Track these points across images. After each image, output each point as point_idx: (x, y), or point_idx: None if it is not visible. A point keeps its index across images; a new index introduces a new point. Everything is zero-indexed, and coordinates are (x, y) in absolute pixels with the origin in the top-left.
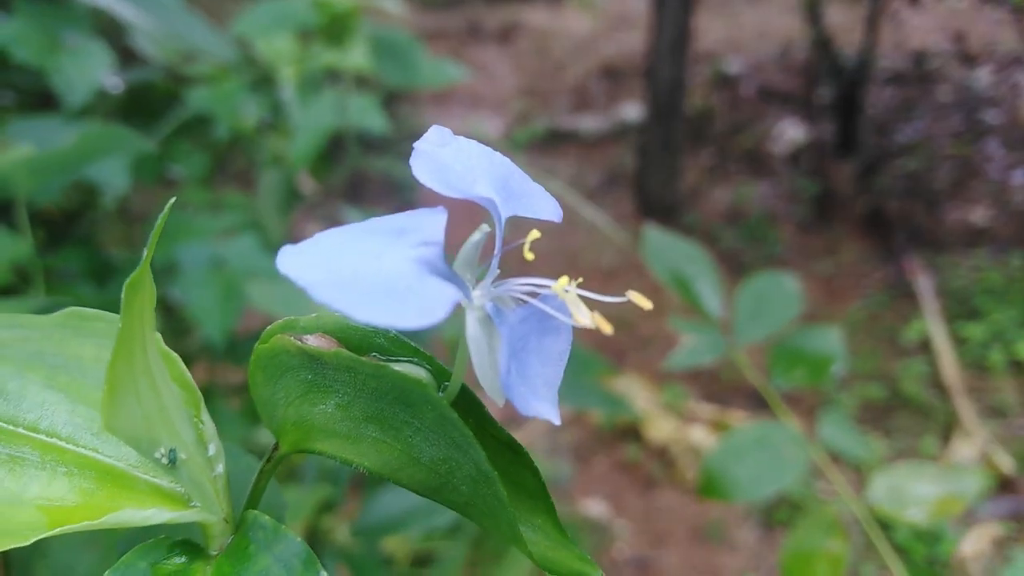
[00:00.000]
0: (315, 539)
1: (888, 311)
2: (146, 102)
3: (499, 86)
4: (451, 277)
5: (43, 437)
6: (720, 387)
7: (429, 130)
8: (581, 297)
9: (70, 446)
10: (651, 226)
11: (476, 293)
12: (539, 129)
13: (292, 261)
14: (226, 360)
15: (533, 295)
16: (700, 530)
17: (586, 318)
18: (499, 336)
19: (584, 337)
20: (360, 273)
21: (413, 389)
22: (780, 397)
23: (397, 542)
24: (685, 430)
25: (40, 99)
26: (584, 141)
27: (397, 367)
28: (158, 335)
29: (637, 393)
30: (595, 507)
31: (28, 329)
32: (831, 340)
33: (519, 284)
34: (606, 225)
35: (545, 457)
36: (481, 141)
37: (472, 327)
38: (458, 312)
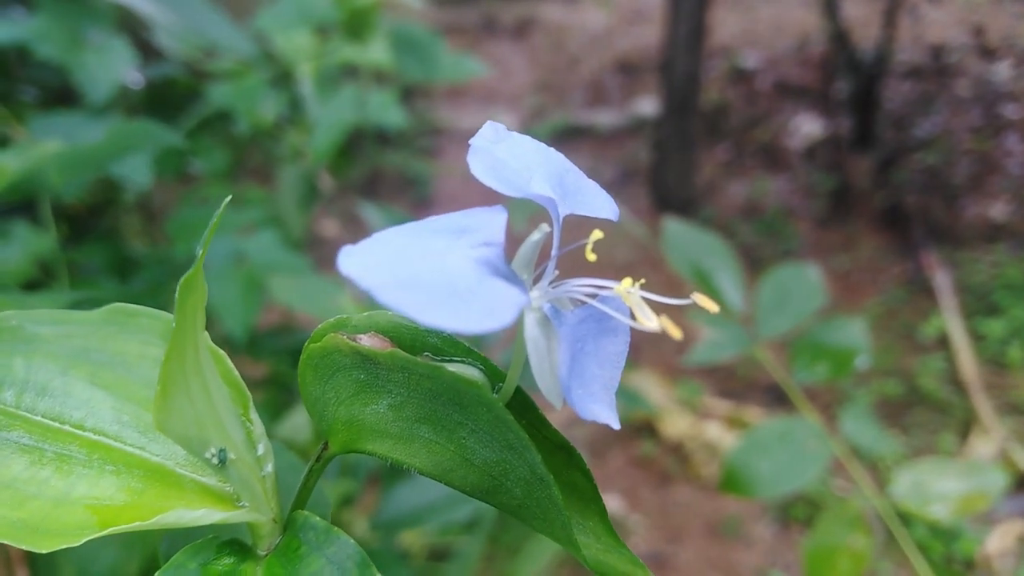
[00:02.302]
0: None
1: (906, 307)
2: (167, 98)
3: (514, 81)
4: (513, 278)
5: (90, 435)
6: (736, 383)
7: (484, 126)
8: (644, 300)
9: (117, 444)
10: (671, 218)
11: (534, 294)
12: (558, 122)
13: (354, 262)
14: (247, 354)
15: (592, 296)
16: (716, 526)
17: (653, 322)
18: (558, 338)
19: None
20: (422, 274)
21: (468, 390)
22: (801, 391)
23: (414, 536)
24: (700, 426)
25: (61, 95)
26: (599, 136)
27: (451, 367)
28: (206, 334)
29: (652, 388)
30: (611, 502)
31: (72, 325)
32: (855, 332)
33: (580, 285)
34: (623, 219)
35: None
36: None
37: (531, 328)
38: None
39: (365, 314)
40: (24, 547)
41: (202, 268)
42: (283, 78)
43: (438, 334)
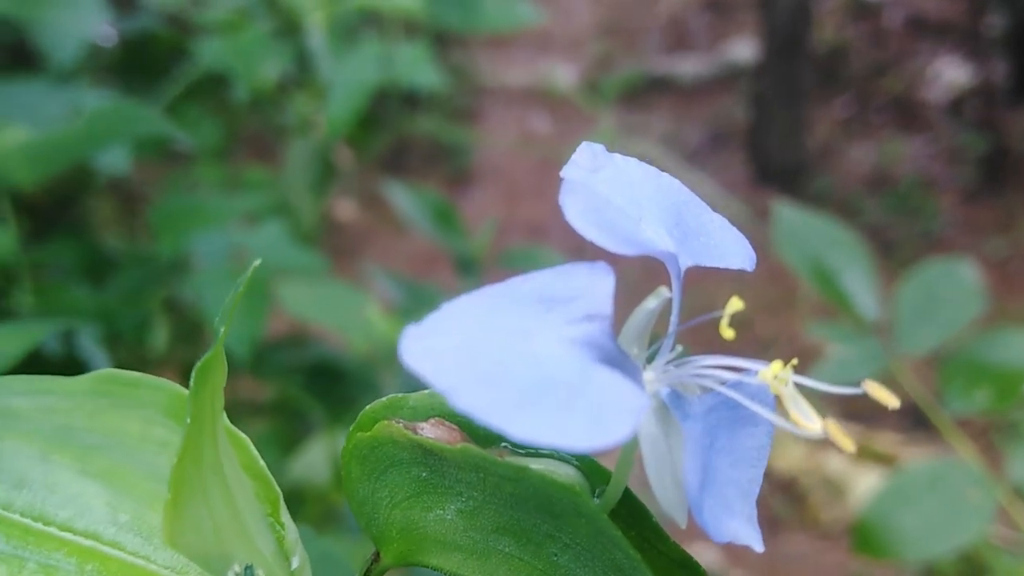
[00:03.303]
0: None
1: None
2: (146, 57)
3: (573, 23)
4: (621, 363)
5: (80, 540)
6: (864, 403)
7: (578, 150)
8: (799, 388)
9: (115, 552)
10: (782, 202)
11: (649, 376)
12: (633, 77)
13: (423, 353)
14: (250, 373)
15: (724, 380)
16: None
17: (816, 424)
18: (682, 434)
19: (688, 337)
20: (507, 367)
21: (560, 496)
22: (951, 421)
23: None
24: (819, 457)
25: (19, 57)
26: (682, 89)
27: (537, 464)
28: (224, 415)
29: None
30: (706, 554)
31: (53, 396)
32: None
33: (710, 365)
34: (708, 196)
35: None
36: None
37: (646, 423)
38: None
39: (426, 392)
40: None
41: (223, 350)
42: (288, 30)
43: None
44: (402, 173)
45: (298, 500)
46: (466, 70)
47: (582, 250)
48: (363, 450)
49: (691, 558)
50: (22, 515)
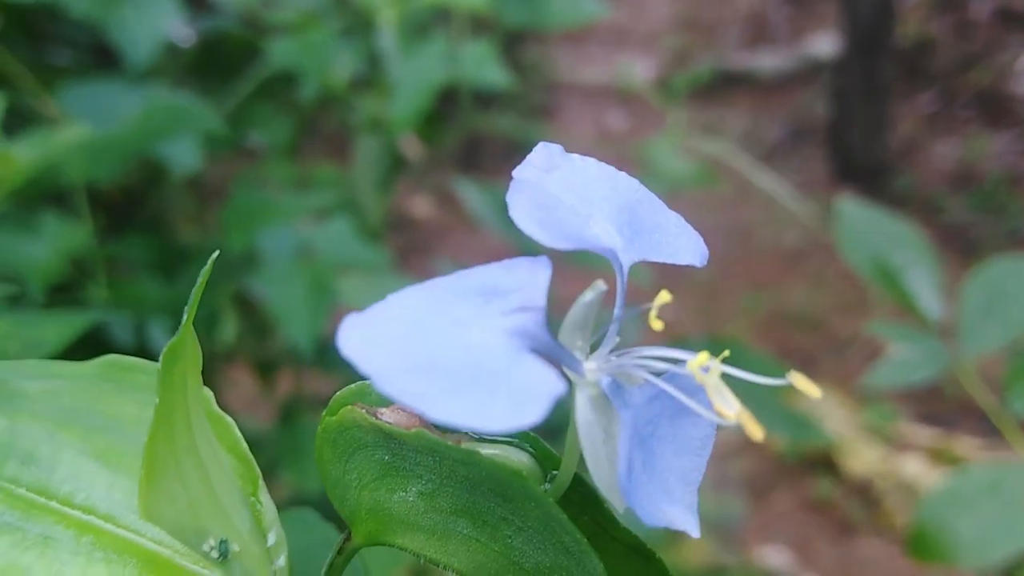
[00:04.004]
0: None
1: None
2: (221, 57)
3: (650, 17)
4: (556, 352)
5: (79, 514)
6: (942, 405)
7: (535, 150)
8: (727, 378)
9: (109, 526)
10: (846, 198)
11: (590, 366)
12: (704, 73)
13: (358, 339)
14: (315, 367)
15: (659, 370)
16: None
17: (731, 410)
18: (619, 421)
19: (762, 339)
20: (439, 353)
21: (511, 481)
22: (1017, 424)
23: None
24: (895, 461)
25: (101, 57)
26: (761, 85)
27: (491, 450)
28: (209, 394)
29: (831, 411)
30: (775, 556)
31: (62, 380)
32: None
33: (643, 357)
34: (788, 195)
35: (711, 491)
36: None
37: (583, 410)
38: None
39: None
40: None
41: (192, 331)
42: (359, 28)
43: None
44: (477, 170)
45: None
46: (541, 66)
47: None
48: (332, 434)
49: (644, 544)
50: (28, 490)
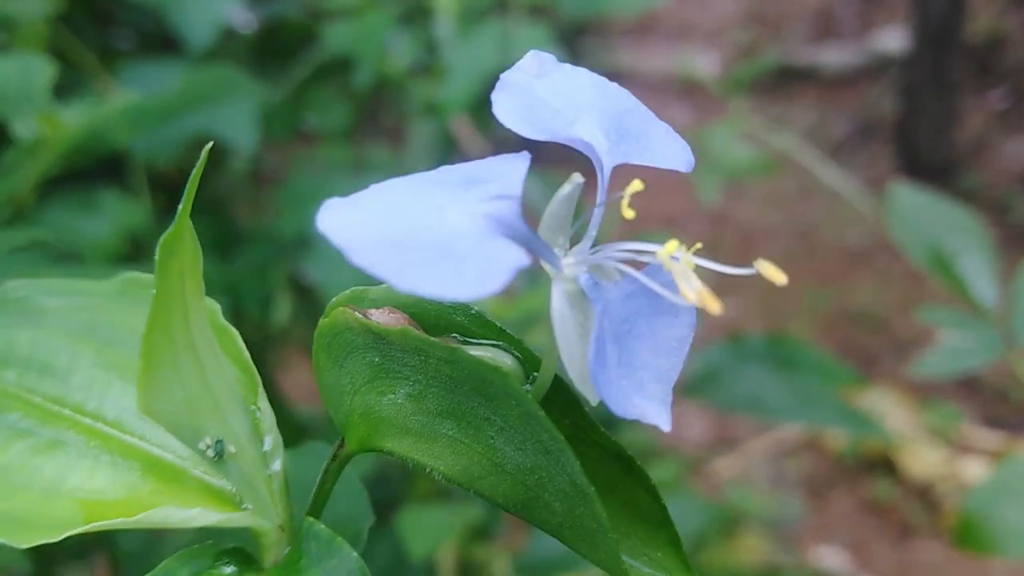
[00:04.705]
0: (468, 573)
1: None
2: (280, 42)
3: (716, 11)
4: (529, 238)
5: (88, 420)
6: (1007, 407)
7: (525, 56)
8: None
9: (116, 432)
10: (901, 184)
11: (568, 260)
12: (768, 64)
13: (335, 216)
14: None
15: (639, 265)
16: None
17: (692, 292)
18: (594, 315)
19: (825, 337)
20: (416, 231)
21: (492, 379)
22: None
23: None
24: (956, 463)
25: (164, 42)
26: (828, 80)
27: (476, 351)
28: (216, 306)
29: (891, 411)
30: (832, 557)
31: (82, 297)
32: None
33: (617, 251)
34: (852, 192)
35: (767, 489)
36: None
37: (558, 302)
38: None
39: (384, 286)
40: (4, 540)
41: (188, 225)
42: (419, 15)
43: (466, 311)
44: (539, 161)
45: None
46: (604, 57)
47: (718, 243)
48: (326, 337)
49: (624, 450)
50: (44, 399)
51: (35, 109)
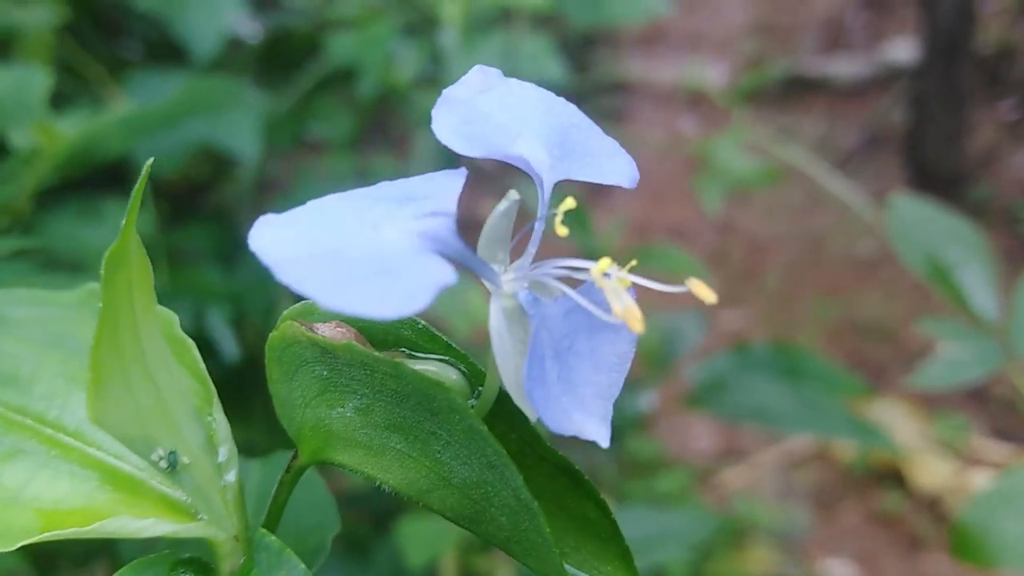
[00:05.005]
0: None
1: None
2: (285, 53)
3: (725, 21)
4: (464, 254)
5: (49, 431)
6: (1017, 419)
7: (470, 71)
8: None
9: (76, 442)
10: (901, 195)
11: (507, 277)
12: (772, 74)
13: (267, 233)
14: None
15: (577, 283)
16: None
17: (621, 308)
18: (531, 332)
19: (833, 347)
20: (346, 249)
21: (436, 394)
22: None
23: None
24: (966, 475)
25: (171, 52)
26: (837, 91)
27: (421, 366)
28: (173, 317)
29: (900, 422)
30: (840, 569)
31: (49, 308)
32: None
33: (554, 267)
34: (860, 202)
35: (775, 500)
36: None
37: (496, 319)
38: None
39: None
40: None
41: (135, 238)
42: (424, 26)
43: (412, 326)
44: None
45: None
46: (613, 68)
47: (726, 253)
48: (277, 351)
49: (572, 465)
50: (6, 408)
51: (31, 119)
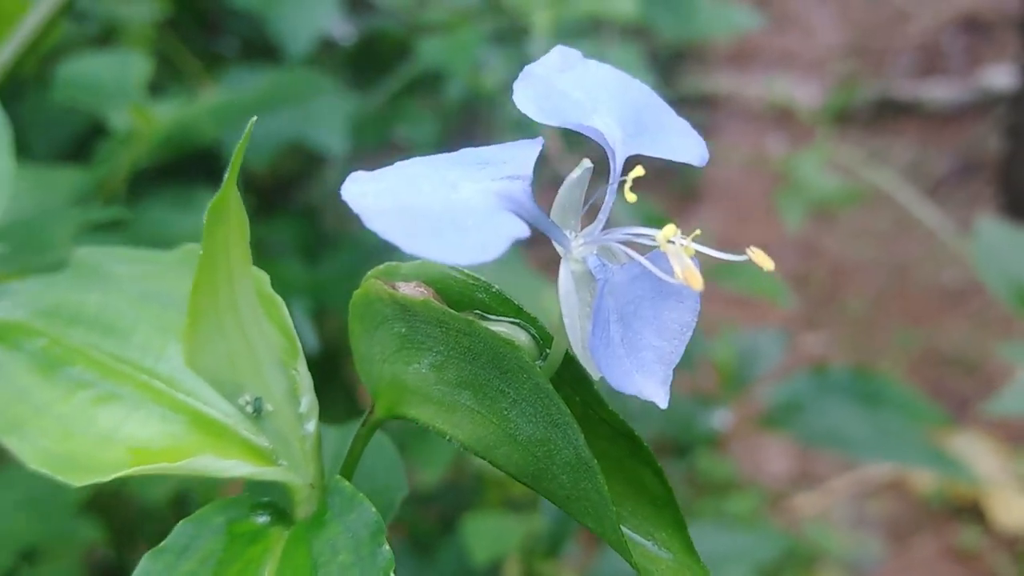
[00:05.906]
0: None
1: None
2: (376, 55)
3: (818, 42)
4: (538, 217)
5: (144, 377)
6: None
7: (551, 51)
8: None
9: (167, 388)
10: (988, 219)
11: (578, 242)
12: (867, 97)
13: (359, 187)
14: None
15: (643, 249)
16: None
17: (681, 269)
18: (597, 294)
19: (915, 377)
20: (429, 204)
21: (507, 353)
22: None
23: None
24: None
25: (266, 50)
26: (931, 115)
27: (494, 327)
28: (265, 276)
29: (981, 456)
30: None
31: (147, 265)
32: None
33: (623, 234)
34: (948, 230)
35: (847, 529)
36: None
37: (565, 282)
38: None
39: (417, 262)
40: (59, 479)
41: (235, 194)
42: (513, 33)
43: (487, 289)
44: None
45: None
46: (702, 84)
47: (808, 276)
48: (360, 308)
49: (631, 430)
50: (105, 355)
51: (130, 102)
